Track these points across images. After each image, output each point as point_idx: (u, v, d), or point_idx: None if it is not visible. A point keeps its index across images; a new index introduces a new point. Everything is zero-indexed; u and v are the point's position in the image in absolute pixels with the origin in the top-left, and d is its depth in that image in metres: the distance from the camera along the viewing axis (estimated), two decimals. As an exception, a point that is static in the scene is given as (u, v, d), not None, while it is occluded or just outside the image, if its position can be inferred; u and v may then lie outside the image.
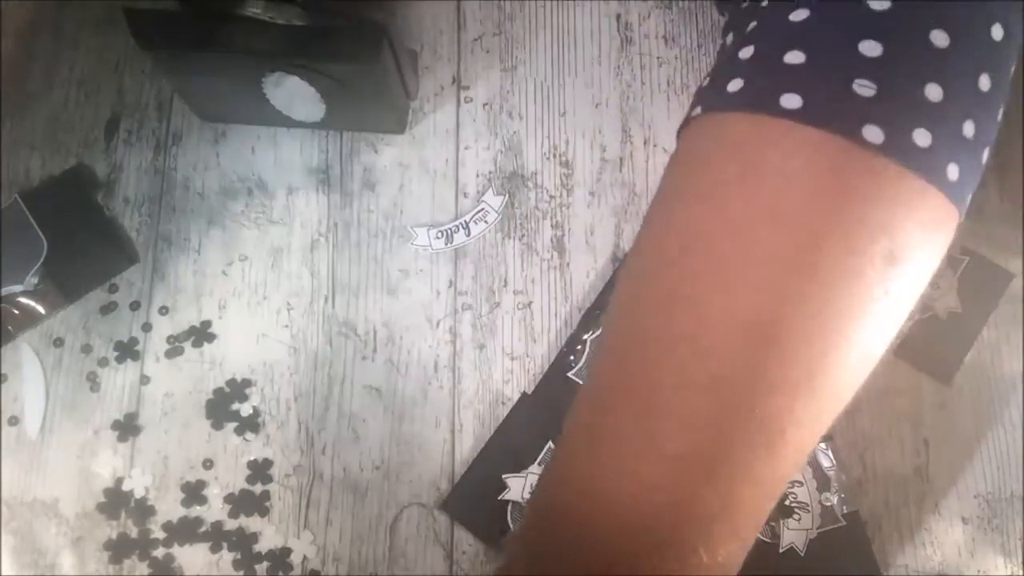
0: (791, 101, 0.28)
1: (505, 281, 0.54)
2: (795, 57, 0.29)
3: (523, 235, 0.54)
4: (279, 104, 0.52)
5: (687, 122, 0.33)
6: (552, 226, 0.55)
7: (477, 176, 0.56)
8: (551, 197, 0.55)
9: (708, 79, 0.33)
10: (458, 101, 0.57)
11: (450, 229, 0.54)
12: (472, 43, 0.58)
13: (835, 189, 0.28)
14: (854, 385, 0.30)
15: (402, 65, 0.51)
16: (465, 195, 0.55)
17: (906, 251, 0.28)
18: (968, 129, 0.29)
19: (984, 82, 0.29)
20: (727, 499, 0.28)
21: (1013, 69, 0.31)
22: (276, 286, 0.54)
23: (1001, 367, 0.52)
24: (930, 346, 0.52)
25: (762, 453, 0.28)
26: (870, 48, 0.28)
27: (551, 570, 0.29)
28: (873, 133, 0.27)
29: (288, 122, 0.55)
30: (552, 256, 0.54)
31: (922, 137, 0.28)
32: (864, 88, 0.28)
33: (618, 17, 0.59)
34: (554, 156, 0.56)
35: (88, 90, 0.58)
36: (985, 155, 0.31)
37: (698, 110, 0.32)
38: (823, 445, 0.49)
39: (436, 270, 0.54)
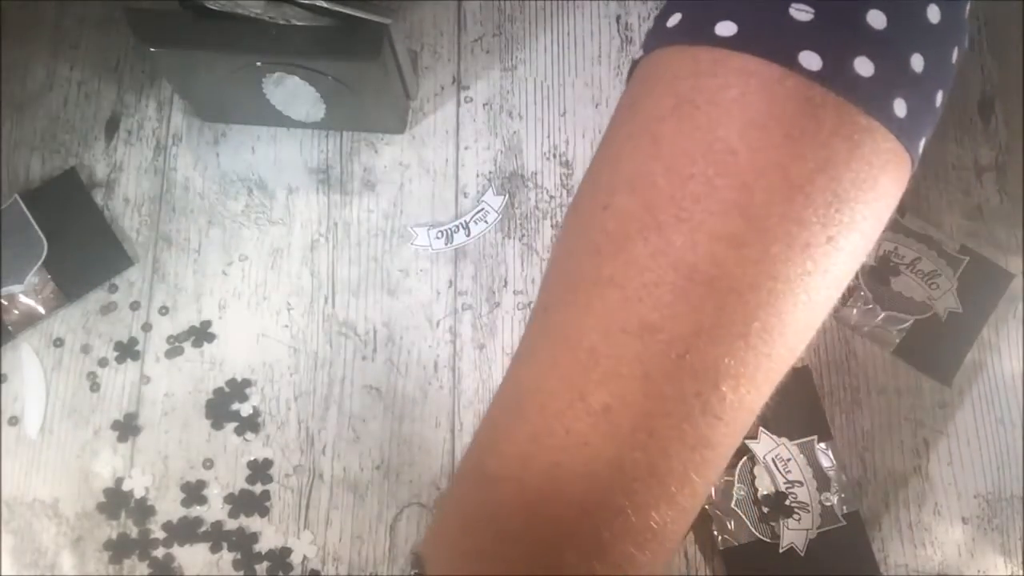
0: (726, 28, 0.27)
1: (505, 281, 0.54)
2: None
3: (523, 235, 0.55)
4: (279, 104, 0.53)
5: (631, 68, 0.32)
6: (552, 226, 0.55)
7: (477, 176, 0.56)
8: (551, 197, 0.55)
9: (652, 23, 0.32)
10: (458, 101, 0.57)
11: (450, 229, 0.54)
12: (472, 43, 0.58)
13: (771, 122, 0.26)
14: (798, 340, 0.28)
15: (402, 65, 0.51)
16: (465, 195, 0.55)
17: (850, 192, 0.27)
18: (916, 63, 0.27)
19: (933, 13, 0.28)
20: (656, 457, 0.27)
21: (968, 8, 0.30)
22: (276, 286, 0.54)
23: (1001, 367, 0.52)
24: (930, 346, 0.52)
25: (695, 408, 0.27)
26: None
27: (483, 532, 0.28)
28: (810, 59, 0.26)
29: (288, 122, 0.55)
30: (552, 256, 0.54)
31: (863, 66, 0.26)
32: (801, 12, 0.26)
33: (618, 18, 0.59)
34: (554, 156, 0.56)
35: (88, 90, 0.58)
36: (939, 98, 0.29)
37: (640, 53, 0.31)
38: (823, 445, 0.49)
39: (436, 270, 0.54)
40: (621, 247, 0.27)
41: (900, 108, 0.27)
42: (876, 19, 0.26)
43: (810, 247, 0.26)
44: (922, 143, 0.29)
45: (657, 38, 0.30)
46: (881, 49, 0.26)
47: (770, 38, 0.26)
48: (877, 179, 0.27)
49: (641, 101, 0.30)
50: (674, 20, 0.29)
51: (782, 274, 0.26)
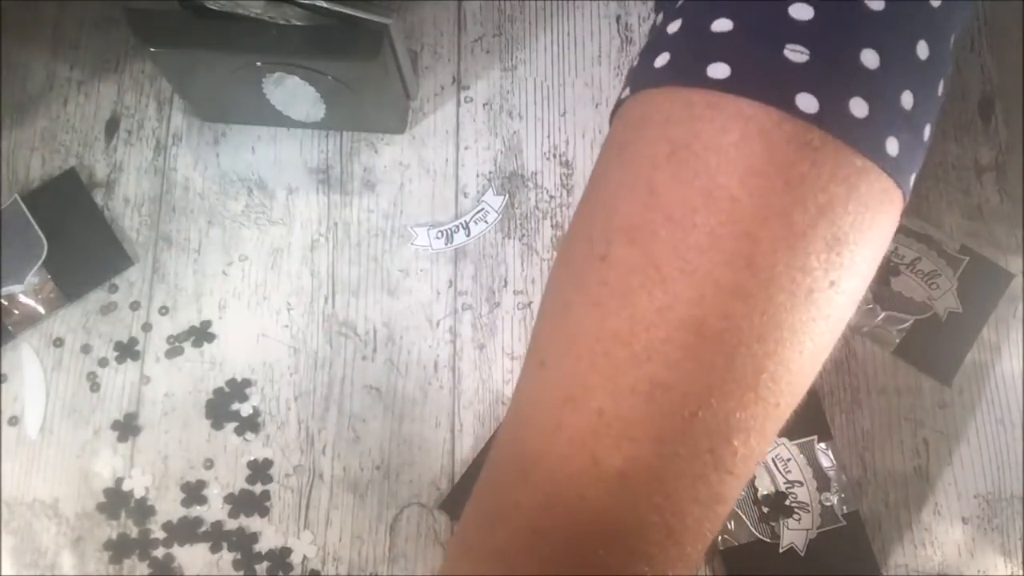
0: (719, 70, 0.26)
1: (505, 281, 0.54)
2: (722, 25, 0.27)
3: (523, 235, 0.54)
4: (279, 104, 0.53)
5: (617, 106, 0.31)
6: (552, 226, 0.55)
7: (477, 176, 0.56)
8: (551, 197, 0.55)
9: (636, 61, 0.31)
10: (458, 101, 0.57)
11: (450, 229, 0.54)
12: (472, 44, 0.58)
13: (771, 168, 0.25)
14: (803, 385, 0.28)
15: (402, 65, 0.51)
16: (465, 195, 0.55)
17: (849, 235, 0.26)
18: (906, 100, 0.27)
19: (922, 50, 0.27)
20: (672, 519, 0.26)
21: (953, 40, 0.30)
22: (276, 286, 0.54)
23: (1001, 367, 0.52)
24: (930, 346, 0.52)
25: (709, 465, 0.26)
26: (801, 11, 0.26)
27: (512, 540, 0.27)
28: (807, 102, 0.25)
29: (288, 122, 0.55)
30: (552, 256, 0.54)
31: (859, 107, 0.26)
32: (796, 54, 0.26)
33: (618, 18, 0.59)
34: (554, 156, 0.56)
35: (88, 90, 0.58)
36: (927, 132, 0.29)
37: (627, 91, 0.30)
38: (823, 445, 0.49)
39: (436, 270, 0.54)
40: (624, 301, 0.26)
41: (893, 147, 0.27)
42: (870, 59, 0.26)
43: (814, 293, 0.26)
44: (913, 177, 0.29)
45: (645, 77, 0.29)
46: (875, 89, 0.26)
47: (765, 80, 0.26)
48: (874, 219, 0.27)
49: (633, 145, 0.29)
50: (663, 59, 0.28)
51: (787, 323, 0.26)
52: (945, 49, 0.29)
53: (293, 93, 0.51)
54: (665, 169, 0.27)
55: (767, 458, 0.49)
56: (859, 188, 0.26)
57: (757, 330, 0.26)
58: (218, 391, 0.52)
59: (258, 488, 0.50)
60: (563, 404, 0.27)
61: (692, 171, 0.26)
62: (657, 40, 0.30)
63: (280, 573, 0.49)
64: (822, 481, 0.49)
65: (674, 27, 0.29)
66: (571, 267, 0.30)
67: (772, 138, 0.26)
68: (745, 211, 0.26)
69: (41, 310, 0.53)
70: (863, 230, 0.27)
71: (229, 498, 0.50)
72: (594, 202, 0.30)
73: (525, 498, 0.28)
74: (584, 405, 0.27)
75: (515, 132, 0.56)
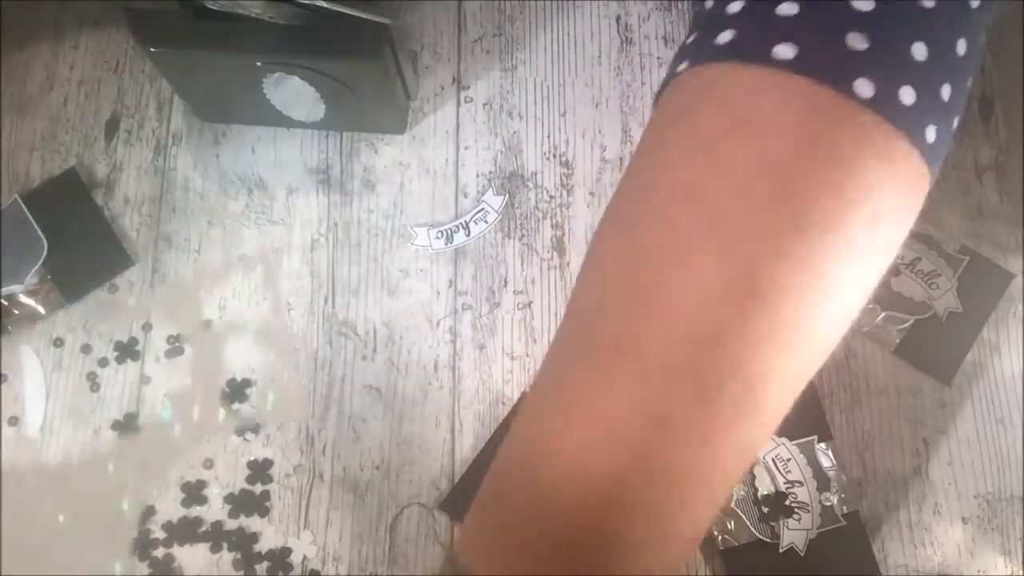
0: (785, 51, 0.28)
1: (505, 281, 0.54)
2: (788, 8, 0.29)
3: (523, 235, 0.54)
4: (279, 104, 0.53)
5: (670, 79, 0.32)
6: (552, 226, 0.55)
7: (477, 176, 0.56)
8: (551, 197, 0.55)
9: (692, 37, 0.32)
10: (458, 101, 0.57)
11: (450, 229, 0.54)
12: (472, 44, 0.58)
13: (827, 146, 0.27)
14: (831, 343, 0.30)
15: (402, 65, 0.51)
16: (465, 195, 0.55)
17: (888, 213, 0.28)
18: (945, 92, 0.29)
19: (961, 47, 0.29)
20: (707, 461, 0.28)
21: (983, 41, 0.32)
22: (276, 286, 0.54)
23: (1001, 367, 0.52)
24: (930, 346, 0.52)
25: (749, 411, 0.28)
26: (863, 2, 0.28)
27: (513, 539, 0.28)
28: (864, 87, 0.27)
29: (288, 122, 0.55)
30: (552, 256, 0.54)
31: (907, 95, 0.28)
32: (858, 40, 0.28)
33: (618, 19, 0.59)
34: (554, 156, 0.56)
35: (88, 90, 0.58)
36: (955, 123, 0.31)
37: (684, 64, 0.31)
38: (823, 445, 0.49)
39: (436, 270, 0.54)
40: (679, 258, 0.28)
41: (931, 134, 0.29)
42: (919, 51, 0.28)
43: (853, 262, 0.28)
44: (940, 164, 0.31)
45: (708, 52, 0.30)
46: (922, 79, 0.28)
47: (828, 64, 0.28)
48: (907, 201, 0.29)
49: (693, 115, 0.30)
50: (725, 37, 0.30)
51: (829, 284, 0.28)
52: (978, 47, 0.31)
53: (293, 93, 0.51)
54: (727, 138, 0.28)
55: (767, 458, 0.49)
56: (901, 171, 0.28)
57: (801, 288, 0.27)
58: (219, 391, 0.52)
59: (258, 488, 0.50)
60: (613, 352, 0.29)
61: (752, 143, 0.28)
62: (717, 19, 0.31)
63: (280, 573, 0.49)
64: (822, 481, 0.49)
65: (735, 7, 0.30)
66: (623, 228, 0.31)
67: (830, 118, 0.27)
68: (800, 184, 0.27)
69: (41, 310, 0.53)
70: (897, 210, 0.29)
71: (229, 498, 0.50)
72: (649, 167, 0.31)
73: (525, 496, 0.28)
74: (634, 354, 0.28)
75: (515, 132, 0.56)
